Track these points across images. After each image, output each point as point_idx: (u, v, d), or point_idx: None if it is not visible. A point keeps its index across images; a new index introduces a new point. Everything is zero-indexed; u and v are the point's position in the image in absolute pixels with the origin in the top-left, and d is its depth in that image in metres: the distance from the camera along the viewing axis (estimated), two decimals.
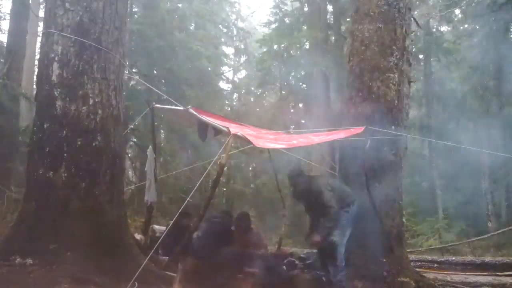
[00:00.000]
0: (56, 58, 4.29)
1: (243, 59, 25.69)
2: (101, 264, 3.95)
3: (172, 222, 5.15)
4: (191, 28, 17.44)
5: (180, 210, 4.96)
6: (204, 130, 5.97)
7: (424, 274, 6.16)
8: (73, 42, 4.31)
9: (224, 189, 19.32)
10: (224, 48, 23.30)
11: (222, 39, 22.10)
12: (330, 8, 18.20)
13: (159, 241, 4.64)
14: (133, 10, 14.24)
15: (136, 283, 3.67)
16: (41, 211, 4.05)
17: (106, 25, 4.50)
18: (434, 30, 19.06)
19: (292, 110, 21.51)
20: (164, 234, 4.70)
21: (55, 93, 4.24)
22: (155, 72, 14.38)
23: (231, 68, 25.14)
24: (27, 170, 4.33)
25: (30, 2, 11.76)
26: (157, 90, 8.97)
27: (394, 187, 5.92)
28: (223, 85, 23.22)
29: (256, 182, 20.85)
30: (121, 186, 4.70)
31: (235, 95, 25.41)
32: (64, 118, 4.21)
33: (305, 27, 18.29)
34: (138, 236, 5.78)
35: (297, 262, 5.79)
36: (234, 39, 23.84)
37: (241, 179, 20.85)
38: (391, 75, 6.09)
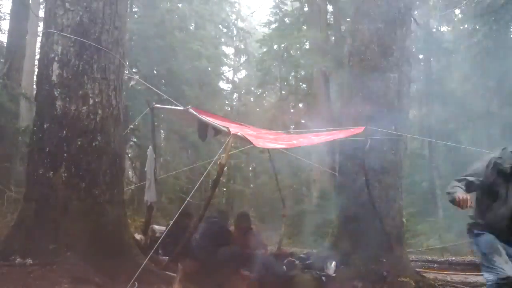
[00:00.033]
0: (56, 58, 4.29)
1: (243, 59, 25.69)
2: (101, 264, 3.95)
3: (172, 222, 5.15)
4: (191, 28, 17.44)
5: (180, 210, 4.97)
6: (204, 130, 5.98)
7: (424, 274, 6.16)
8: (73, 42, 4.31)
9: (224, 189, 19.33)
10: (224, 48, 23.30)
11: (222, 39, 22.09)
12: (330, 8, 18.20)
13: (159, 241, 4.64)
14: (133, 10, 14.24)
15: (136, 283, 3.67)
16: (41, 211, 4.05)
17: (106, 25, 4.50)
18: (434, 30, 19.07)
19: (292, 110, 21.53)
20: (164, 234, 4.70)
21: (55, 93, 4.24)
22: (155, 72, 14.38)
23: (231, 68, 25.14)
24: (27, 170, 4.33)
25: (30, 2, 11.75)
26: (157, 90, 8.98)
27: (394, 187, 5.93)
28: (223, 85, 23.23)
29: (256, 182, 20.86)
30: (121, 186, 4.69)
31: (235, 95, 25.42)
32: (64, 118, 4.21)
33: (305, 27, 18.29)
34: (138, 236, 5.77)
35: (297, 262, 5.79)
36: (234, 39, 23.83)
37: (241, 179, 20.86)
38: (391, 75, 6.10)
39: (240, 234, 5.60)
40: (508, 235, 3.30)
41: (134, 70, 13.02)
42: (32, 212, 4.08)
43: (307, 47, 18.51)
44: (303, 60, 17.95)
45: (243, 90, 25.09)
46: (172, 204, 14.00)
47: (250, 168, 21.97)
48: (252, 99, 24.79)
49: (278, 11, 20.54)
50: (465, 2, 16.17)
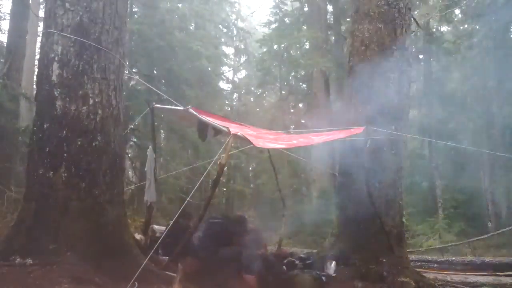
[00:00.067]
0: (56, 58, 4.29)
1: (243, 59, 25.71)
2: (101, 264, 3.95)
3: (172, 222, 5.14)
4: (191, 28, 17.44)
5: (180, 210, 4.96)
6: (204, 130, 5.98)
7: (424, 274, 6.16)
8: (73, 42, 4.30)
9: (224, 189, 19.35)
10: (224, 48, 23.32)
11: (222, 39, 22.11)
12: (330, 8, 18.21)
13: (159, 241, 4.64)
14: (133, 10, 14.24)
15: (136, 283, 3.66)
16: (41, 211, 4.05)
17: (106, 25, 4.49)
18: (434, 30, 19.06)
19: (292, 110, 21.54)
20: (164, 234, 4.70)
21: (55, 93, 4.23)
22: (155, 72, 14.39)
23: (231, 68, 25.15)
24: (27, 170, 4.33)
25: (30, 2, 11.76)
26: (157, 90, 8.98)
27: (394, 187, 5.93)
28: (223, 85, 23.26)
29: (256, 182, 20.87)
30: (121, 186, 4.69)
31: (235, 95, 25.43)
32: (64, 118, 4.21)
33: (305, 27, 18.30)
34: (138, 236, 5.77)
35: (297, 262, 5.78)
36: (234, 39, 23.85)
37: (241, 179, 20.87)
38: (391, 75, 6.10)
39: (239, 236, 5.59)
40: None
41: (134, 70, 13.02)
42: (32, 212, 4.07)
43: (307, 47, 18.53)
44: (303, 60, 17.95)
45: (243, 90, 25.11)
46: (172, 204, 14.01)
47: (250, 168, 21.97)
48: (252, 99, 24.81)
49: (278, 11, 20.55)
50: (465, 2, 16.17)
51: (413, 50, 14.25)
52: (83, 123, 4.26)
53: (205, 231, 5.26)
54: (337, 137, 5.55)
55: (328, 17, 18.02)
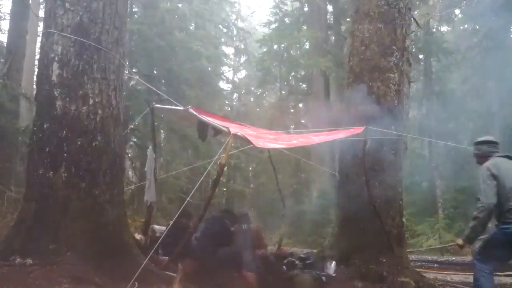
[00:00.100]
0: (56, 58, 4.29)
1: (243, 59, 25.72)
2: (101, 264, 3.95)
3: (172, 222, 5.15)
4: (191, 28, 17.45)
5: (180, 210, 4.96)
6: (204, 130, 5.97)
7: (424, 274, 6.16)
8: (73, 42, 4.30)
9: (224, 189, 19.34)
10: (224, 48, 23.33)
11: (222, 39, 22.12)
12: (330, 8, 18.21)
13: (159, 241, 4.64)
14: (133, 10, 14.25)
15: (136, 283, 3.67)
16: (41, 211, 4.05)
17: (106, 25, 4.49)
18: (434, 30, 19.08)
19: (292, 110, 21.54)
20: (164, 234, 4.70)
21: (55, 93, 4.23)
22: (155, 72, 14.39)
23: (231, 68, 25.16)
24: (27, 170, 4.33)
25: (30, 2, 11.76)
26: (157, 90, 8.99)
27: (394, 187, 5.93)
28: (223, 85, 23.27)
29: (256, 182, 20.87)
30: (121, 186, 4.69)
31: (235, 95, 25.44)
32: (64, 118, 4.21)
33: (305, 27, 18.31)
34: (138, 236, 5.77)
35: (297, 262, 5.78)
36: (234, 39, 23.86)
37: (241, 179, 20.87)
38: (391, 75, 6.10)
39: (240, 234, 5.59)
40: None
41: (134, 70, 13.02)
42: (32, 212, 4.07)
43: (307, 47, 18.53)
44: (303, 60, 17.96)
45: (243, 90, 25.11)
46: (172, 204, 14.01)
47: (250, 168, 21.98)
48: (252, 99, 24.81)
49: (278, 11, 20.57)
50: (465, 2, 16.17)
51: (413, 50, 14.23)
52: (83, 123, 4.26)
53: (205, 228, 5.25)
54: (337, 137, 5.55)
55: (328, 17, 18.02)
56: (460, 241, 4.16)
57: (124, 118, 5.03)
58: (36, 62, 11.76)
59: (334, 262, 5.38)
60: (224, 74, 23.47)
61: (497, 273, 7.04)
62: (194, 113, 5.39)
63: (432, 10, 16.59)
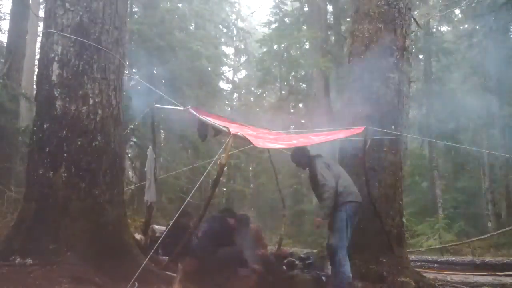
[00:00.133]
0: (56, 58, 4.29)
1: (243, 59, 25.72)
2: (101, 264, 3.95)
3: (172, 222, 5.15)
4: (191, 28, 17.45)
5: (180, 210, 4.96)
6: (204, 130, 5.98)
7: (424, 274, 6.16)
8: (73, 42, 4.31)
9: (224, 189, 19.34)
10: (224, 48, 23.32)
11: (222, 39, 22.11)
12: (330, 8, 18.21)
13: (159, 241, 4.64)
14: (133, 10, 14.25)
15: (136, 283, 3.67)
16: (41, 211, 4.05)
17: (106, 25, 4.50)
18: (434, 30, 19.08)
19: (292, 110, 21.54)
20: (164, 234, 4.70)
21: (55, 93, 4.24)
22: (155, 72, 14.38)
23: (231, 68, 25.15)
24: (27, 170, 4.33)
25: (30, 2, 11.75)
26: (157, 90, 8.97)
27: (394, 187, 5.93)
28: (223, 85, 23.25)
29: (256, 182, 20.87)
30: (121, 186, 4.69)
31: (235, 95, 25.43)
32: (64, 118, 4.21)
33: (305, 27, 18.30)
34: (138, 236, 5.78)
35: (297, 262, 5.79)
36: (234, 39, 23.85)
37: (241, 179, 20.86)
38: (391, 75, 6.10)
39: (240, 234, 5.60)
40: None
41: (134, 70, 13.01)
42: (32, 212, 4.08)
43: (307, 47, 18.52)
44: (303, 60, 17.96)
45: (243, 90, 25.10)
46: (172, 204, 14.01)
47: (250, 168, 21.96)
48: (252, 99, 24.79)
49: (278, 11, 20.56)
50: (465, 2, 16.18)
51: (413, 50, 14.25)
52: (83, 123, 4.26)
53: (206, 228, 5.25)
54: (337, 137, 5.55)
55: (328, 17, 18.01)
56: None
57: (124, 118, 5.02)
58: (36, 62, 11.76)
59: None
60: (224, 74, 23.47)
61: (497, 273, 7.06)
62: (194, 113, 5.40)
63: (432, 10, 16.58)
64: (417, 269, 6.55)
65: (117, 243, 4.28)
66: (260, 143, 4.83)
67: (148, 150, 6.33)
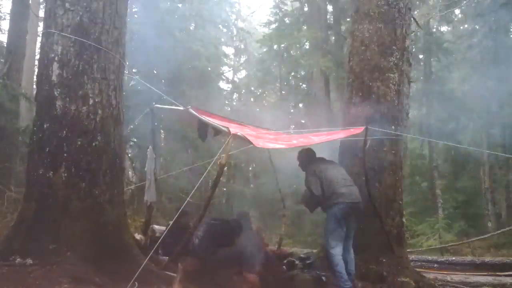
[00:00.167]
0: (56, 58, 4.29)
1: (243, 59, 25.71)
2: (101, 264, 3.95)
3: (171, 222, 5.15)
4: (191, 28, 17.44)
5: (180, 211, 4.96)
6: (204, 130, 5.98)
7: (424, 274, 6.16)
8: (73, 42, 4.31)
9: (224, 189, 19.33)
10: (224, 48, 23.29)
11: (222, 39, 22.07)
12: (330, 8, 18.20)
13: (159, 241, 4.64)
14: (133, 10, 14.23)
15: (136, 283, 3.67)
16: (41, 211, 4.05)
17: (106, 25, 4.50)
18: (434, 30, 19.08)
19: (292, 110, 21.54)
20: (164, 234, 4.70)
21: (55, 93, 4.24)
22: (155, 72, 14.37)
23: (231, 68, 25.14)
24: (27, 170, 4.33)
25: (30, 2, 11.75)
26: (157, 90, 8.97)
27: (394, 187, 5.93)
28: (223, 85, 23.21)
29: (256, 182, 20.85)
30: (121, 186, 4.69)
31: (235, 95, 25.41)
32: (64, 118, 4.21)
33: (305, 27, 18.29)
34: (138, 236, 5.78)
35: (297, 262, 5.79)
36: (234, 39, 23.84)
37: (241, 179, 20.84)
38: (391, 75, 6.10)
39: (240, 233, 5.59)
40: None
41: (134, 70, 13.01)
42: (32, 212, 4.07)
43: (307, 47, 18.52)
44: (303, 60, 17.96)
45: (243, 90, 25.07)
46: (172, 204, 13.99)
47: (250, 168, 21.95)
48: (252, 99, 24.78)
49: (278, 11, 20.54)
50: (465, 2, 16.18)
51: (413, 50, 14.25)
52: (83, 123, 4.26)
53: (205, 231, 5.25)
54: (337, 137, 5.56)
55: (328, 17, 18.01)
56: None
57: (124, 118, 5.02)
58: (36, 62, 11.77)
59: None
60: (224, 74, 23.45)
61: (497, 273, 7.06)
62: (194, 113, 5.40)
63: (432, 10, 16.58)
64: (417, 269, 6.55)
65: (117, 243, 4.28)
66: (260, 143, 4.83)
67: (148, 150, 6.33)
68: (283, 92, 20.65)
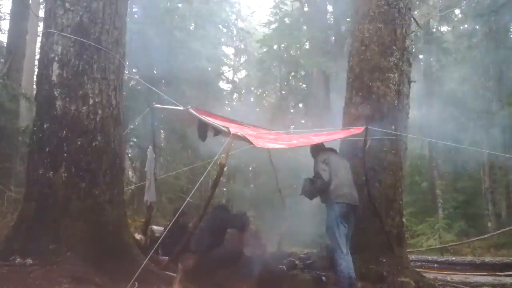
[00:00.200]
0: (56, 58, 4.30)
1: (243, 59, 25.70)
2: (101, 264, 3.95)
3: (171, 222, 5.15)
4: (191, 28, 17.43)
5: (179, 211, 4.96)
6: (204, 130, 5.98)
7: (424, 274, 6.16)
8: (73, 42, 4.31)
9: (224, 189, 19.32)
10: (224, 48, 23.30)
11: (222, 39, 22.07)
12: (330, 8, 18.20)
13: (159, 241, 4.64)
14: (133, 10, 14.22)
15: (136, 283, 3.67)
16: (41, 211, 4.05)
17: (106, 25, 4.50)
18: (434, 30, 19.06)
19: (292, 110, 21.53)
20: (164, 234, 4.71)
21: (55, 93, 4.24)
22: (155, 72, 14.37)
23: (231, 68, 25.14)
24: (27, 170, 4.34)
25: (30, 2, 11.75)
26: (157, 90, 8.97)
27: (394, 187, 5.93)
28: (223, 85, 23.21)
29: (256, 182, 20.85)
30: (121, 186, 4.70)
31: (235, 95, 25.40)
32: (64, 118, 4.22)
33: (305, 27, 18.29)
34: (138, 236, 5.78)
35: (297, 262, 5.78)
36: (234, 39, 23.83)
37: (241, 179, 20.84)
38: (391, 75, 6.10)
39: (238, 233, 5.59)
40: None
41: (134, 70, 13.01)
42: (32, 212, 4.08)
43: (307, 47, 18.51)
44: (303, 60, 17.95)
45: (243, 90, 25.07)
46: (172, 204, 14.00)
47: (250, 168, 21.95)
48: (252, 99, 24.77)
49: (278, 11, 20.52)
50: (465, 2, 16.18)
51: (413, 50, 14.24)
52: (83, 123, 4.27)
53: (206, 223, 5.24)
54: (337, 137, 5.55)
55: (328, 17, 18.00)
56: None
57: (124, 118, 5.03)
58: (36, 62, 11.76)
59: None
60: (224, 74, 23.46)
61: (497, 273, 7.06)
62: (194, 113, 5.40)
63: (432, 10, 16.58)
64: (417, 269, 6.55)
65: (117, 243, 4.28)
66: (260, 143, 4.83)
67: (148, 150, 6.33)
68: (283, 92, 20.64)
